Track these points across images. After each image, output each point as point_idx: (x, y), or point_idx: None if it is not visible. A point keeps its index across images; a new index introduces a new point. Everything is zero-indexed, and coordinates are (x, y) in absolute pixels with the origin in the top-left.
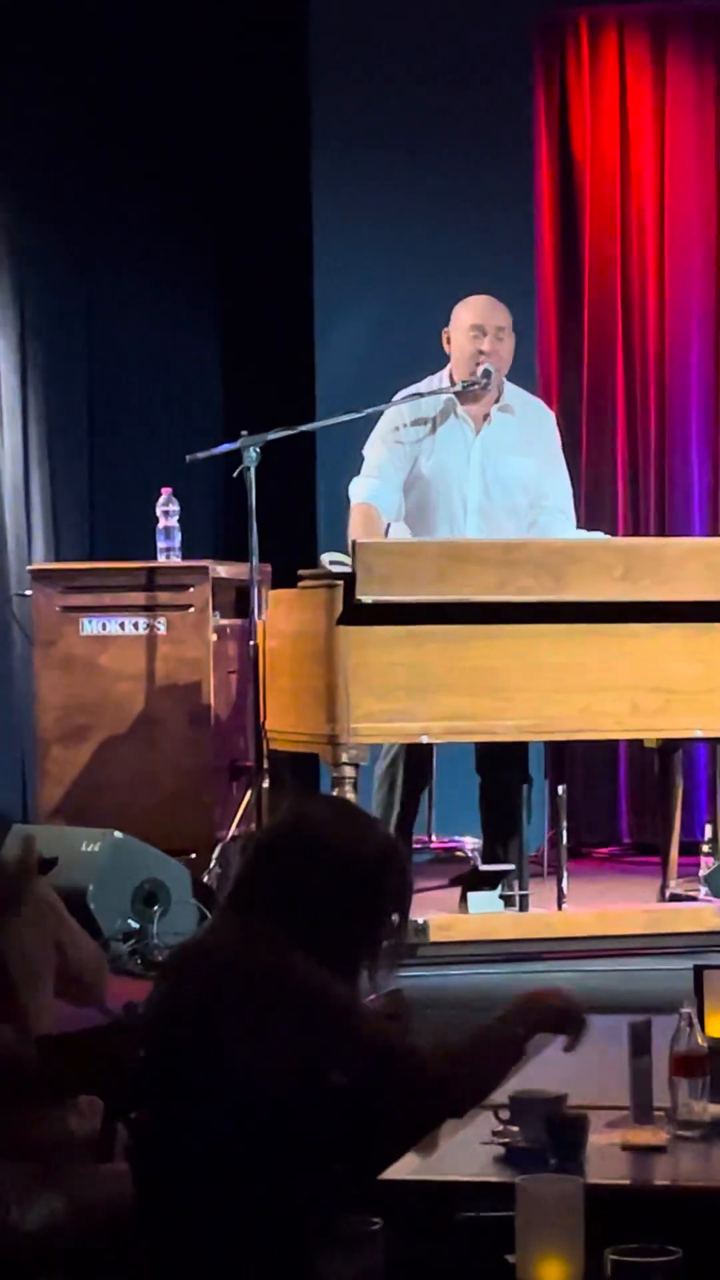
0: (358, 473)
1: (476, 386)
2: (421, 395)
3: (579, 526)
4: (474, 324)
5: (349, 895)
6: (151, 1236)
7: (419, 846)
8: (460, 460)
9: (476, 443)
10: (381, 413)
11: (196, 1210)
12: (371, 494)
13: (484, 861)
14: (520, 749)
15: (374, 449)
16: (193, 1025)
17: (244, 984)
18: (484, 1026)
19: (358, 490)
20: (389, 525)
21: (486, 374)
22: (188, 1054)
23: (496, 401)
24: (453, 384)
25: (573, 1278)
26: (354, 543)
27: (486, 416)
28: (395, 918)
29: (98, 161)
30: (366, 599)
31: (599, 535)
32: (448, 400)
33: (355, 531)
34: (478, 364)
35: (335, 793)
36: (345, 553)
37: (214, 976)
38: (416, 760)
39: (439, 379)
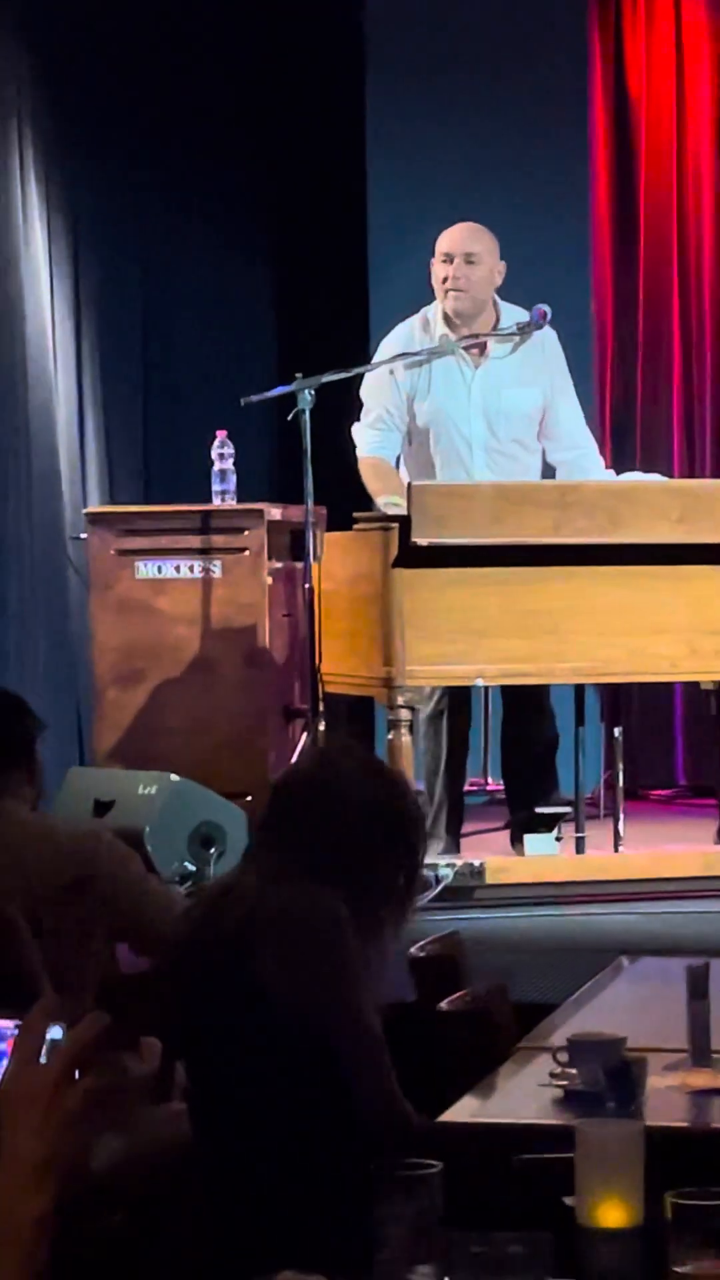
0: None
1: (532, 325)
2: (478, 336)
3: (636, 469)
4: (444, 251)
5: (364, 839)
6: (210, 1176)
7: (474, 789)
8: (460, 400)
9: (475, 378)
10: (438, 353)
11: (253, 1151)
12: (377, 446)
13: (511, 810)
14: (540, 693)
15: (371, 396)
16: (227, 963)
17: (273, 920)
18: None
19: (363, 442)
20: (399, 476)
21: (544, 313)
22: (225, 992)
23: (495, 330)
24: (449, 321)
25: (632, 1220)
26: (409, 485)
27: (484, 350)
28: (409, 865)
29: (150, 103)
30: (422, 541)
31: (655, 477)
32: (441, 337)
33: (371, 484)
34: (446, 292)
35: (391, 735)
36: (400, 495)
37: (244, 914)
38: (460, 705)
39: (433, 310)
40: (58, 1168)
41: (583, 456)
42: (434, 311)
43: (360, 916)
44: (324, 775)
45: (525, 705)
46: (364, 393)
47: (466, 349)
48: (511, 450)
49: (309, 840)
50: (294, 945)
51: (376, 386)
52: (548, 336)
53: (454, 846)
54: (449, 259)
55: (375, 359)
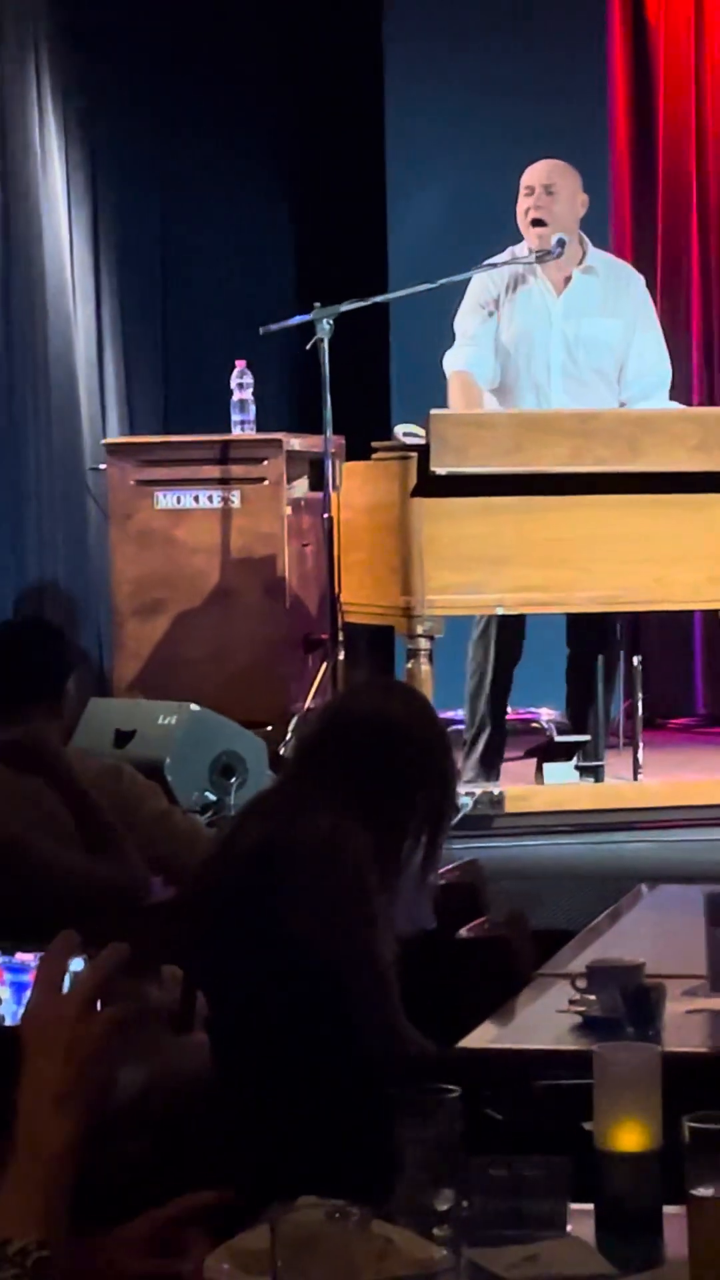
0: (437, 338)
1: (552, 256)
2: (497, 265)
3: None
4: (525, 184)
5: (409, 780)
6: (231, 1105)
7: None
8: (542, 324)
9: (558, 305)
10: (454, 283)
11: (274, 1078)
12: (467, 361)
13: (572, 733)
14: (604, 619)
15: (463, 320)
16: (246, 888)
17: (292, 849)
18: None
19: (453, 359)
20: (483, 395)
21: (560, 242)
22: (244, 918)
23: (580, 264)
24: (529, 254)
25: (650, 1145)
26: (429, 414)
27: (568, 279)
28: (439, 803)
29: (169, 34)
30: (441, 470)
31: (674, 405)
32: (528, 266)
33: (455, 400)
34: (529, 222)
35: (410, 665)
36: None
37: (269, 835)
38: (509, 632)
39: (520, 249)
40: (82, 1097)
41: (646, 401)
42: (520, 248)
43: (386, 853)
44: (383, 711)
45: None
46: (457, 321)
47: (541, 258)
48: (589, 379)
49: (352, 772)
50: (311, 875)
51: (468, 311)
52: (633, 279)
53: (493, 774)
54: (530, 191)
55: (465, 297)
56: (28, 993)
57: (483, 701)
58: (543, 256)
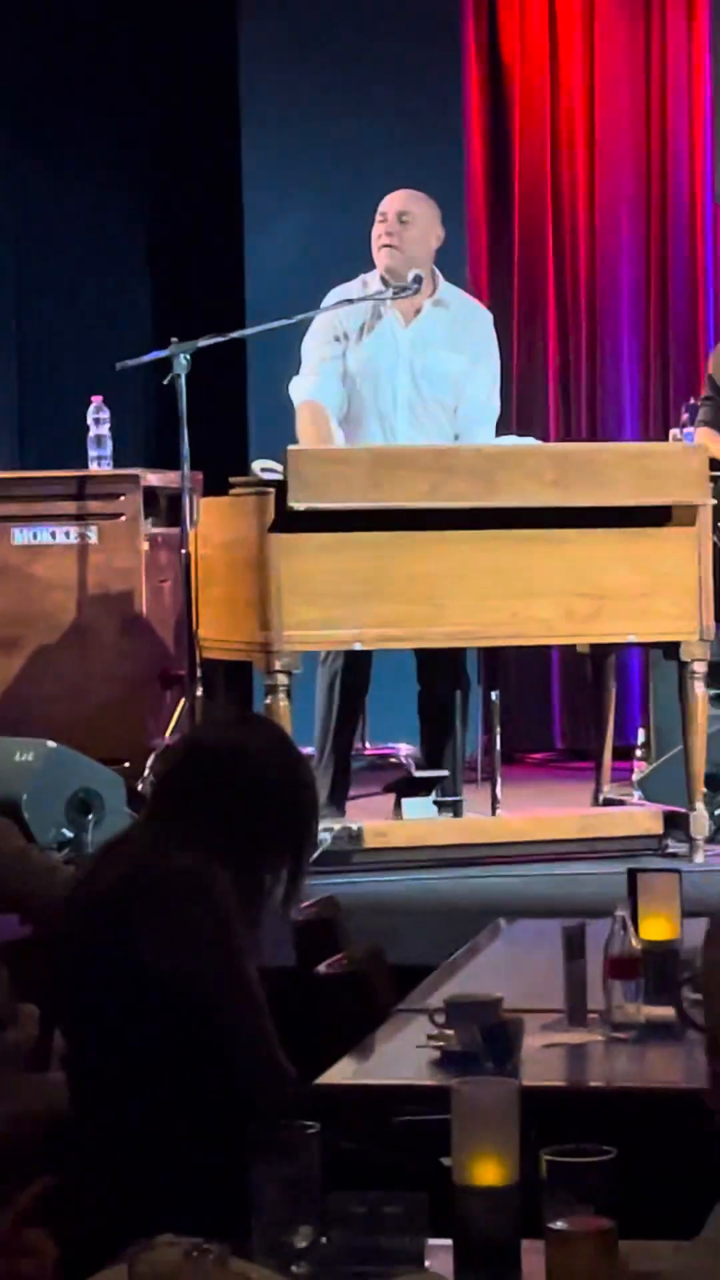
0: (295, 373)
1: (408, 292)
2: (351, 301)
3: (512, 432)
4: (381, 211)
5: (268, 811)
6: (87, 1144)
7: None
8: (390, 354)
9: (405, 336)
10: (311, 318)
11: (130, 1117)
12: (315, 391)
13: (426, 769)
14: (455, 655)
15: (314, 347)
16: (105, 925)
17: (152, 885)
18: None
19: (300, 389)
20: (332, 424)
21: (418, 279)
22: (103, 955)
23: (431, 296)
24: (384, 285)
25: (508, 1179)
26: (287, 450)
27: (418, 311)
28: (299, 836)
29: (23, 69)
30: (298, 506)
31: (531, 440)
32: (376, 291)
33: (305, 430)
34: (380, 249)
35: (268, 700)
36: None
37: (130, 873)
38: (357, 668)
39: (372, 276)
40: None
41: (465, 436)
42: (372, 276)
43: (248, 888)
44: (240, 742)
45: (433, 664)
46: (304, 348)
47: (398, 293)
48: (433, 410)
49: (211, 806)
50: (172, 912)
51: (315, 339)
52: (481, 316)
53: (338, 811)
54: (384, 218)
55: (314, 323)
56: None
57: (329, 737)
58: (399, 292)
